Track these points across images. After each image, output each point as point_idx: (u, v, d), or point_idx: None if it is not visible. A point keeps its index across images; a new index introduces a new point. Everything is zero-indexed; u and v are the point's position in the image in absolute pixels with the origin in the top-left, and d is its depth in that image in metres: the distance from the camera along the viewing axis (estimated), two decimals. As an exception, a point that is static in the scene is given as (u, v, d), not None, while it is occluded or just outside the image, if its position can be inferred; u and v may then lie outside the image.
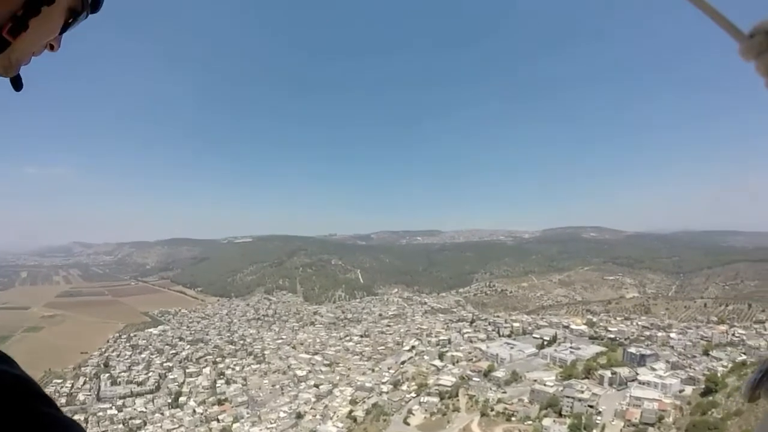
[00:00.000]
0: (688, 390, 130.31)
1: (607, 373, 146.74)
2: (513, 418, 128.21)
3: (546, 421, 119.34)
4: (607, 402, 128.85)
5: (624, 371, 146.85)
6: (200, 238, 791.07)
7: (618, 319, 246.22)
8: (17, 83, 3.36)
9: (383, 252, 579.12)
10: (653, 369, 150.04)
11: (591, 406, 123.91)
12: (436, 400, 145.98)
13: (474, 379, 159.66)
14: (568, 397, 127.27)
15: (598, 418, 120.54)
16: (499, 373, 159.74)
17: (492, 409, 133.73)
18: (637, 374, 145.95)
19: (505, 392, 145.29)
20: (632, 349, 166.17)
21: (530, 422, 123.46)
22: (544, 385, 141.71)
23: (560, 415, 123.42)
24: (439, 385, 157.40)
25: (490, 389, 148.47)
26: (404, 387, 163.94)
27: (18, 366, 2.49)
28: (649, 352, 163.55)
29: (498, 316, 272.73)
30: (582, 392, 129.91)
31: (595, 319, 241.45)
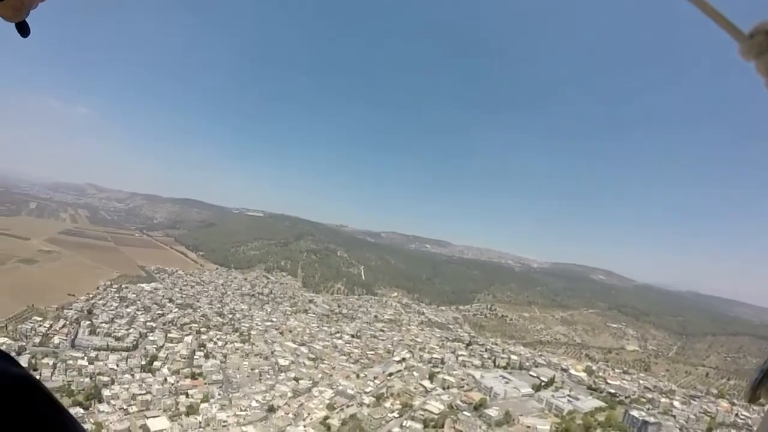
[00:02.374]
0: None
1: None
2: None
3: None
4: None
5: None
6: (212, 203, 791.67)
7: (617, 371, 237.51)
8: (24, 28, 3.26)
9: (390, 253, 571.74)
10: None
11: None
12: (419, 426, 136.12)
13: (464, 412, 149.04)
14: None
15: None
16: (492, 411, 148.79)
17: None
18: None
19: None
20: (635, 413, 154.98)
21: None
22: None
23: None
24: (425, 409, 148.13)
25: (480, 427, 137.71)
26: (387, 403, 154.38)
27: (18, 363, 2.39)
28: (652, 419, 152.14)
29: (496, 344, 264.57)
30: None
31: (594, 367, 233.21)
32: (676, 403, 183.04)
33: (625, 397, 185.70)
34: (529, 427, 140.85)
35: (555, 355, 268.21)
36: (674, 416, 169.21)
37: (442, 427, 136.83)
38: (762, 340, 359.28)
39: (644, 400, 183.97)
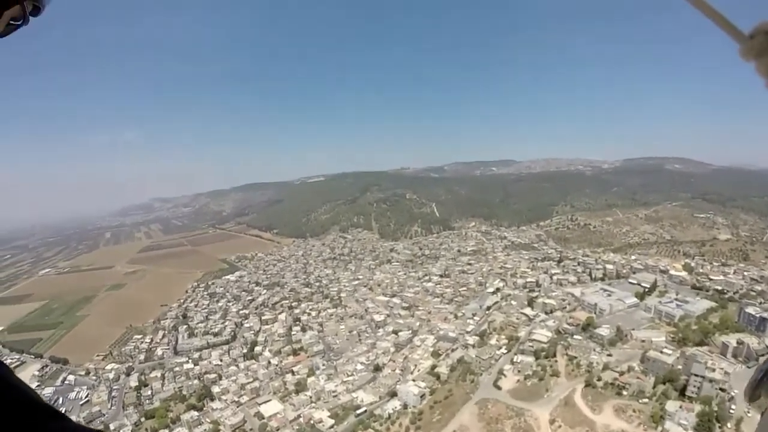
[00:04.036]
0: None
1: (732, 342, 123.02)
2: (624, 392, 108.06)
3: (670, 405, 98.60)
4: (739, 384, 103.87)
5: (752, 341, 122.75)
6: (273, 181, 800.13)
7: (715, 264, 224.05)
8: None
9: (458, 184, 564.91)
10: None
11: (722, 390, 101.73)
12: (530, 359, 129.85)
13: (574, 336, 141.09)
14: (695, 375, 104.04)
15: (732, 406, 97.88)
16: (602, 330, 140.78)
17: (599, 379, 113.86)
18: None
19: (610, 355, 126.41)
20: (750, 310, 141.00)
21: (646, 399, 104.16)
22: (661, 352, 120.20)
23: (682, 395, 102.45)
24: (533, 340, 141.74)
25: (593, 350, 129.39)
26: (493, 340, 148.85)
27: (13, 373, 2.35)
28: None
29: (587, 256, 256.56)
30: (712, 369, 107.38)
31: (692, 264, 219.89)
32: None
33: (734, 293, 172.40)
34: (644, 341, 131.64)
35: (648, 256, 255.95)
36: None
37: (554, 356, 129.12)
38: None
39: (754, 293, 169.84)
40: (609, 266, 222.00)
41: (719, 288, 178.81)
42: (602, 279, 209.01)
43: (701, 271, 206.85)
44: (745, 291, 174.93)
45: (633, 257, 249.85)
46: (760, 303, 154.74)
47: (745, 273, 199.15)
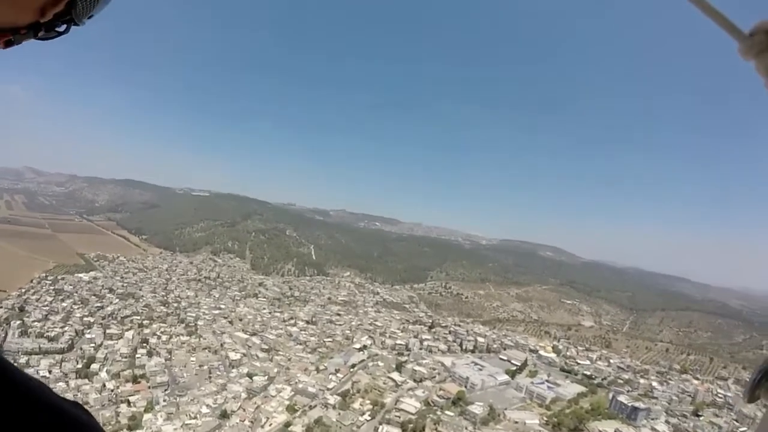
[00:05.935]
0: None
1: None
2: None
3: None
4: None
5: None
6: (156, 183, 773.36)
7: (580, 348, 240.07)
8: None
9: (340, 231, 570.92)
10: (655, 431, 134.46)
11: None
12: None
13: (444, 410, 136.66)
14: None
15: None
16: (475, 408, 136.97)
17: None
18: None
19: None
20: (622, 398, 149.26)
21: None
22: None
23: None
24: (400, 410, 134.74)
25: (465, 429, 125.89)
26: (356, 403, 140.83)
27: (10, 363, 2.32)
28: (641, 405, 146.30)
29: (458, 325, 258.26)
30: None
31: (560, 346, 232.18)
32: (654, 384, 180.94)
33: (602, 379, 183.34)
34: (517, 422, 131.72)
35: (515, 333, 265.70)
36: (656, 398, 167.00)
37: (423, 430, 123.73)
38: (710, 315, 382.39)
39: (621, 381, 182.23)
40: (480, 339, 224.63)
41: (588, 373, 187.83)
42: (473, 351, 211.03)
43: (569, 354, 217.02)
44: (613, 378, 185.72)
45: (503, 332, 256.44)
46: (628, 391, 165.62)
47: (610, 360, 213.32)
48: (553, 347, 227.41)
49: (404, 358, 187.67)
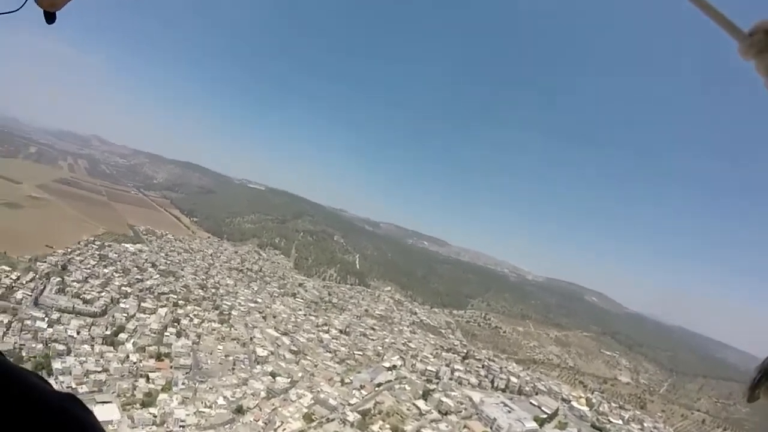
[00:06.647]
0: None
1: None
2: None
3: None
4: None
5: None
6: (215, 170, 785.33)
7: (614, 405, 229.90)
8: (50, 16, 3.77)
9: (387, 244, 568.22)
10: None
11: None
12: None
13: None
14: None
15: None
16: None
17: None
18: None
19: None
20: None
21: None
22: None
23: None
24: None
25: None
26: (375, 426, 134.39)
27: (4, 357, 2.40)
28: None
29: (492, 360, 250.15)
30: None
31: (594, 400, 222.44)
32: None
33: None
34: None
35: (549, 377, 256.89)
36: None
37: None
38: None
39: None
40: (513, 379, 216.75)
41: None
42: (504, 390, 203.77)
43: (602, 410, 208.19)
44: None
45: (537, 375, 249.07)
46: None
47: (644, 424, 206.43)
48: (586, 399, 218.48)
49: (432, 386, 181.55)
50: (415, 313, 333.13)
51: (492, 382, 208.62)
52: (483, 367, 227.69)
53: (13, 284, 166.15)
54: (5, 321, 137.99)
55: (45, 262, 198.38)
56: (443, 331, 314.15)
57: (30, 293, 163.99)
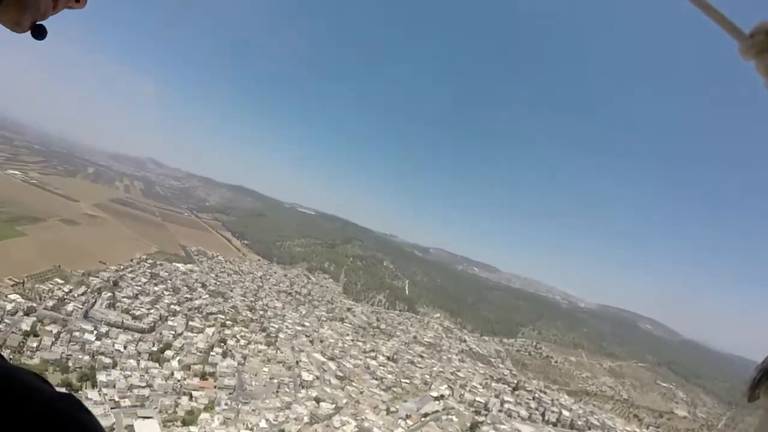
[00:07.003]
0: None
1: None
2: None
3: None
4: None
5: None
6: (266, 194, 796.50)
7: None
8: (38, 33, 3.18)
9: (437, 270, 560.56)
10: None
11: None
12: None
13: None
14: None
15: None
16: None
17: None
18: None
19: None
20: None
21: None
22: None
23: None
24: None
25: None
26: None
27: (4, 359, 2.40)
28: None
29: (543, 391, 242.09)
30: None
31: None
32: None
33: None
34: None
35: (602, 410, 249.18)
36: None
37: None
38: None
39: None
40: (565, 412, 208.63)
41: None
42: (555, 424, 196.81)
43: None
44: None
45: (589, 408, 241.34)
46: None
47: None
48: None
49: (481, 418, 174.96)
50: (465, 341, 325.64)
51: (543, 415, 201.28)
52: (534, 398, 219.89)
53: (65, 297, 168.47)
54: (55, 331, 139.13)
55: (97, 277, 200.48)
56: (493, 360, 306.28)
57: (81, 306, 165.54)
